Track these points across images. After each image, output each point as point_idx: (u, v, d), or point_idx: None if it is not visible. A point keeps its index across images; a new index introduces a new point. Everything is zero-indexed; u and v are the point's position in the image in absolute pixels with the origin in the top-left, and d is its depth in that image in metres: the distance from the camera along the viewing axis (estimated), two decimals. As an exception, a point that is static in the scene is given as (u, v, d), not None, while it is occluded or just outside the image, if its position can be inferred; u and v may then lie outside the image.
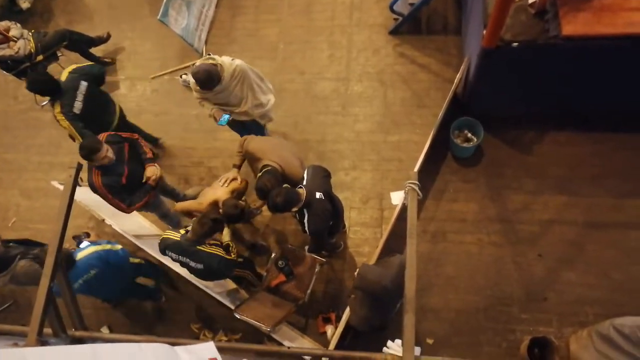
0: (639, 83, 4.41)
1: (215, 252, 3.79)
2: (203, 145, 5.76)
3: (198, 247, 3.77)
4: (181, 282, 4.97)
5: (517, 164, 5.06)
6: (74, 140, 4.62)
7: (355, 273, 3.79)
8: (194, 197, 4.56)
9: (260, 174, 3.94)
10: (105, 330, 4.97)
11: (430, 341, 4.52)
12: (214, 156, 5.67)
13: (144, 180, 4.24)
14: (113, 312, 5.11)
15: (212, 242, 3.86)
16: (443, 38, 5.85)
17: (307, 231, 3.75)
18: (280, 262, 4.43)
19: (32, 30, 5.85)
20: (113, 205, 4.14)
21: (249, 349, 3.24)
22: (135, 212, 5.19)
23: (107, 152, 3.90)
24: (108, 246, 4.19)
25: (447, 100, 5.01)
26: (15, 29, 5.71)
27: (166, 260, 4.28)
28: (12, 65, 5.68)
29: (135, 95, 6.25)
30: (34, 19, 6.96)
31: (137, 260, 4.69)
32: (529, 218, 4.84)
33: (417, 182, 3.14)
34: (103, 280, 4.04)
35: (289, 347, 3.88)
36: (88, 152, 3.81)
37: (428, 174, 5.02)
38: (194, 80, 4.19)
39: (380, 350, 2.88)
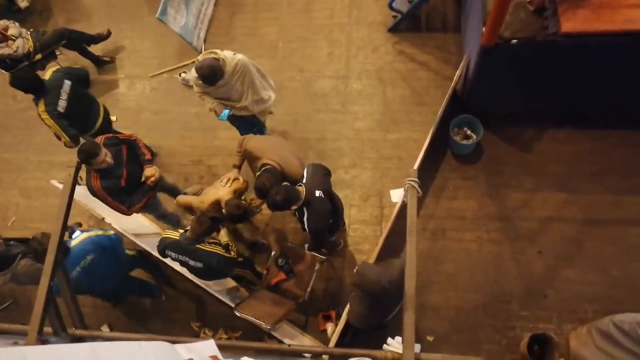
0: (638, 80, 4.41)
1: (215, 251, 3.80)
2: (202, 144, 5.75)
3: (197, 245, 3.77)
4: (181, 280, 4.97)
5: (517, 161, 5.07)
6: (59, 139, 4.63)
7: (354, 270, 3.80)
8: (194, 195, 4.57)
9: (259, 172, 3.94)
10: (105, 329, 4.97)
11: (430, 338, 4.53)
12: (214, 154, 5.67)
13: (142, 180, 4.23)
14: (113, 310, 5.11)
15: (211, 240, 3.86)
16: (442, 36, 5.84)
17: (307, 229, 3.75)
18: (280, 260, 4.44)
19: (31, 29, 5.84)
20: (113, 208, 4.14)
21: (249, 347, 3.25)
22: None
23: (106, 157, 3.89)
24: (100, 232, 4.21)
25: (446, 98, 5.01)
26: (13, 28, 5.70)
27: (166, 260, 4.28)
28: (11, 64, 5.67)
29: (135, 94, 6.24)
30: (33, 18, 6.95)
31: (132, 252, 4.72)
32: (529, 215, 4.85)
33: (416, 179, 3.15)
34: (100, 266, 4.04)
35: (289, 345, 3.88)
36: (87, 156, 3.79)
37: (428, 171, 5.02)
38: (195, 75, 4.18)
39: (380, 348, 2.88)
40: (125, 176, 4.07)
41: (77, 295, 3.50)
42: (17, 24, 5.79)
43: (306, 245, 4.42)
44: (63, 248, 3.68)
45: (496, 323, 4.52)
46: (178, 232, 3.89)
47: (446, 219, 4.96)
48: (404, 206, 3.41)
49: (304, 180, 3.78)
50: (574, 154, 4.99)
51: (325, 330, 4.62)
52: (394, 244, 4.51)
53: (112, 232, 4.36)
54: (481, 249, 4.80)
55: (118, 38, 6.53)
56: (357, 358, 2.62)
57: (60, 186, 4.44)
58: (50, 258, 3.06)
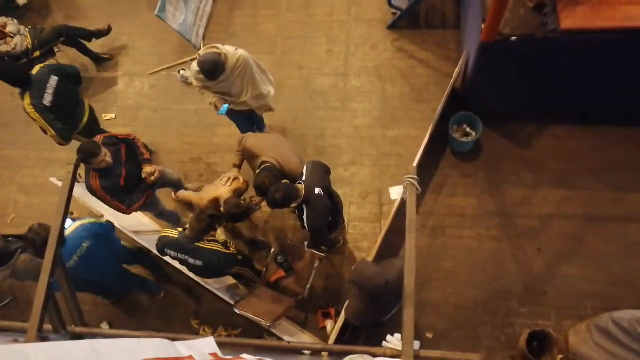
0: (637, 77, 4.41)
1: (215, 248, 3.79)
2: (202, 141, 5.75)
3: (197, 244, 3.77)
4: (181, 277, 4.96)
5: (516, 158, 5.07)
6: (45, 133, 4.63)
7: (353, 267, 3.80)
8: (195, 190, 4.58)
9: (258, 170, 3.94)
10: (105, 326, 4.98)
11: (429, 335, 4.53)
12: (213, 152, 5.66)
13: (143, 177, 4.22)
14: (113, 308, 5.12)
15: (210, 238, 3.86)
16: (442, 32, 5.84)
17: (307, 227, 3.75)
18: (279, 258, 4.44)
19: (29, 27, 5.82)
20: (112, 207, 4.13)
21: (249, 344, 3.25)
22: (134, 210, 5.20)
23: (106, 156, 3.87)
24: (93, 219, 4.20)
25: (445, 95, 5.01)
26: (12, 25, 5.69)
27: (166, 259, 4.28)
28: (9, 62, 5.66)
29: (134, 91, 6.23)
30: (31, 15, 6.93)
31: (128, 245, 4.74)
32: (528, 212, 4.85)
33: (416, 177, 3.15)
34: (96, 253, 4.04)
35: (289, 342, 3.89)
36: (87, 156, 3.78)
37: (427, 168, 5.02)
38: (197, 69, 4.17)
39: (379, 345, 2.88)
40: (125, 175, 4.07)
41: (77, 293, 3.50)
42: (15, 21, 5.77)
43: (306, 243, 4.42)
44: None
45: (495, 320, 4.53)
46: (177, 230, 3.89)
47: (446, 216, 4.96)
48: (403, 203, 3.41)
49: (304, 178, 3.78)
50: (574, 151, 4.99)
51: (324, 328, 4.62)
52: (393, 241, 4.53)
53: (104, 219, 4.34)
54: (481, 246, 4.81)
55: (117, 35, 6.51)
56: (357, 355, 2.63)
57: (60, 183, 4.44)
58: (49, 255, 3.06)
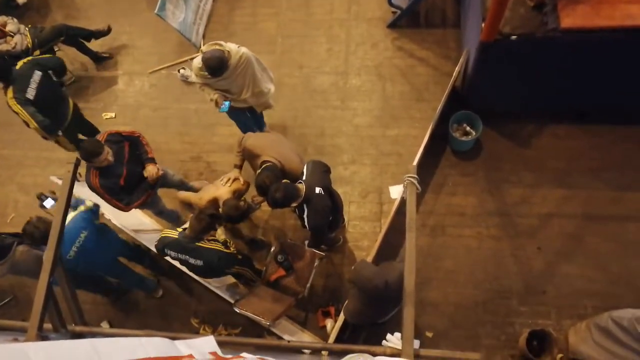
0: (637, 76, 4.41)
1: (215, 248, 3.79)
2: (201, 140, 5.75)
3: (197, 243, 3.77)
4: (181, 276, 4.96)
5: (516, 157, 5.07)
6: (28, 126, 4.65)
7: (352, 267, 3.80)
8: (199, 190, 4.58)
9: (259, 170, 3.94)
10: (105, 325, 4.97)
11: (429, 334, 4.53)
12: (213, 151, 5.66)
13: (145, 176, 4.21)
14: (113, 307, 5.11)
15: (210, 238, 3.86)
16: (442, 31, 5.83)
17: (307, 226, 3.75)
18: (279, 257, 4.44)
19: (29, 26, 5.82)
20: (111, 205, 4.13)
21: (249, 343, 3.26)
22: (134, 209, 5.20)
23: (108, 155, 3.87)
24: (82, 207, 4.15)
25: (445, 94, 5.00)
26: (12, 24, 5.68)
27: (166, 259, 4.29)
28: (9, 60, 5.65)
29: (134, 90, 6.23)
30: (31, 14, 6.92)
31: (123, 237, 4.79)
32: (528, 211, 4.85)
33: (416, 176, 3.15)
34: (94, 242, 4.05)
35: (289, 341, 3.91)
36: (88, 155, 3.79)
37: (427, 167, 5.02)
38: (199, 66, 4.16)
39: (379, 344, 2.88)
40: (125, 175, 4.05)
41: (77, 293, 3.50)
42: (15, 20, 5.77)
43: (306, 242, 4.42)
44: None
45: (495, 319, 4.53)
46: (177, 230, 3.88)
47: (445, 215, 4.96)
48: (403, 202, 3.41)
49: (304, 177, 3.78)
50: (573, 150, 4.99)
51: (324, 327, 4.62)
52: (393, 240, 4.53)
53: (90, 203, 4.26)
54: (481, 245, 4.81)
55: (117, 34, 6.51)
56: (357, 354, 2.63)
57: (60, 182, 4.45)
58: (49, 254, 3.06)
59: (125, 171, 4.06)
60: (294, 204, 3.63)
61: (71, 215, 4.04)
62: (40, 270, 3.82)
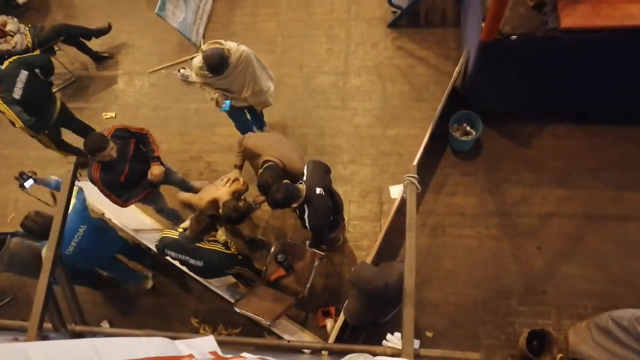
0: (637, 76, 4.41)
1: (215, 248, 3.79)
2: (201, 140, 5.75)
3: (197, 244, 3.76)
4: (181, 276, 4.97)
5: (516, 157, 5.07)
6: (14, 125, 4.67)
7: (353, 269, 3.80)
8: (199, 189, 4.58)
9: (261, 170, 3.94)
10: (105, 325, 4.97)
11: (429, 334, 4.54)
12: (213, 151, 5.66)
13: (148, 177, 4.20)
14: (113, 306, 5.12)
15: (210, 239, 3.86)
16: (442, 31, 5.84)
17: (308, 227, 3.75)
18: (279, 256, 4.44)
19: (29, 25, 5.82)
20: (109, 199, 4.12)
21: (249, 343, 3.26)
22: (134, 208, 5.20)
23: (111, 151, 3.86)
24: (74, 199, 4.02)
25: (445, 94, 5.01)
26: (12, 24, 5.68)
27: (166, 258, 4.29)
28: (9, 60, 5.66)
29: (134, 90, 6.23)
30: (31, 14, 6.93)
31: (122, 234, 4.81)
32: (528, 211, 4.85)
33: (416, 175, 3.15)
34: (93, 237, 4.05)
35: (289, 341, 3.91)
36: (92, 149, 3.79)
37: (427, 167, 5.02)
38: (199, 65, 4.16)
39: (379, 344, 2.88)
40: (127, 172, 4.05)
41: (77, 292, 3.50)
42: (15, 19, 5.77)
43: (307, 242, 4.42)
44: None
45: (495, 319, 4.53)
46: (177, 231, 3.88)
47: (445, 215, 4.96)
48: (403, 202, 3.41)
49: (304, 178, 3.78)
50: (573, 150, 4.99)
51: (324, 326, 4.63)
52: (393, 240, 4.53)
53: (75, 189, 4.03)
54: (481, 245, 4.81)
55: (116, 34, 6.51)
56: (357, 354, 2.63)
57: (57, 179, 4.46)
58: (49, 254, 3.06)
59: (127, 168, 4.06)
60: (295, 205, 3.63)
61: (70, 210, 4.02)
62: (35, 260, 3.84)
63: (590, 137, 5.00)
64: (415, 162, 4.59)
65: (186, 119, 5.90)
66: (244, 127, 4.96)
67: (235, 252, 3.98)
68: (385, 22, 6.00)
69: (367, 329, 4.28)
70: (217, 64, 4.00)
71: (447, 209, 4.99)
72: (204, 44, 6.06)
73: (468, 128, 5.06)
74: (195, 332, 4.82)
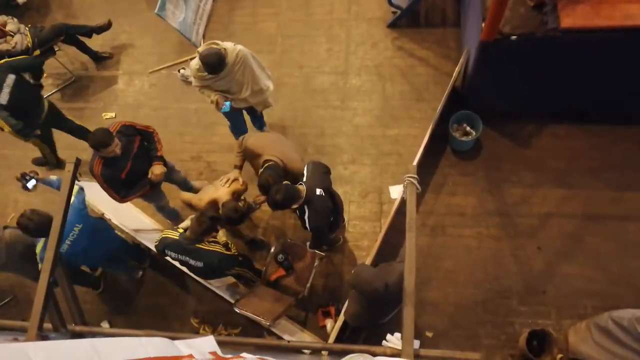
0: (637, 76, 4.41)
1: (215, 249, 3.79)
2: (201, 140, 5.75)
3: (197, 245, 3.76)
4: (181, 276, 4.96)
5: (516, 157, 5.07)
6: (2, 129, 4.69)
7: (352, 271, 3.80)
8: (199, 189, 4.58)
9: (262, 169, 3.93)
10: (105, 325, 4.98)
11: (429, 334, 4.54)
12: (213, 151, 5.66)
13: (149, 176, 4.20)
14: (113, 306, 5.12)
15: (211, 240, 3.85)
16: (442, 31, 5.83)
17: (308, 228, 3.75)
18: (279, 256, 4.44)
19: (29, 25, 5.82)
20: (107, 193, 4.12)
21: (249, 343, 3.26)
22: (134, 208, 5.21)
23: (116, 147, 3.86)
24: (74, 198, 4.02)
25: (445, 94, 5.01)
26: (12, 24, 5.68)
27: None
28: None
29: (134, 90, 6.23)
30: (31, 14, 6.92)
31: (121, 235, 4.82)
32: (528, 211, 4.85)
33: (416, 175, 3.15)
34: (89, 236, 4.06)
35: (289, 341, 3.90)
36: (97, 144, 3.79)
37: (427, 167, 5.02)
38: (197, 67, 4.15)
39: (379, 344, 2.88)
40: (128, 169, 4.05)
41: (77, 292, 3.50)
42: (15, 19, 5.76)
43: (308, 243, 4.43)
44: (49, 220, 3.67)
45: (495, 319, 4.53)
46: (178, 231, 3.88)
47: (445, 215, 4.96)
48: (403, 202, 3.41)
49: (304, 179, 3.78)
50: (573, 150, 4.99)
51: (324, 326, 4.63)
52: (393, 240, 4.53)
53: (76, 188, 4.06)
54: (481, 245, 4.81)
55: (116, 34, 6.51)
56: (356, 354, 2.63)
57: (54, 177, 4.46)
58: (49, 254, 3.06)
59: (129, 166, 4.05)
60: (295, 206, 3.62)
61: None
62: (29, 251, 3.86)
63: (590, 137, 5.00)
64: (415, 162, 4.59)
65: (186, 119, 5.90)
66: (238, 128, 4.96)
67: (236, 253, 3.98)
68: (385, 22, 6.00)
69: (367, 328, 4.28)
70: (215, 63, 4.00)
71: (447, 209, 4.99)
72: (204, 43, 6.09)
73: (468, 128, 5.06)
74: (195, 332, 4.82)
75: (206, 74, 4.18)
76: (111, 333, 3.50)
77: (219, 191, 4.17)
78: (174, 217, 4.98)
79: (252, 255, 4.91)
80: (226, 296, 4.68)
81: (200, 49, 4.17)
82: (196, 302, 5.01)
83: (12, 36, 5.61)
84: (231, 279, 4.54)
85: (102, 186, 4.04)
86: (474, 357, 2.68)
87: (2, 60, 4.75)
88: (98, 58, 6.40)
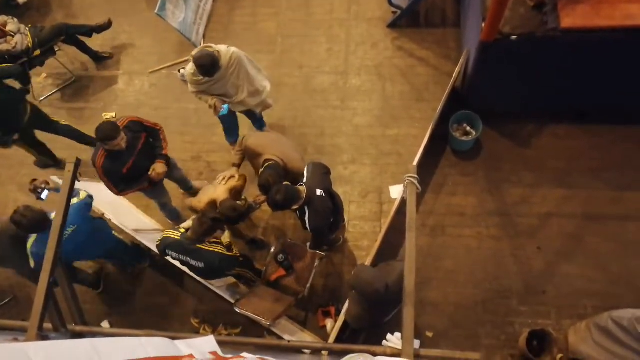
0: (637, 76, 4.41)
1: (216, 250, 3.79)
2: (201, 140, 5.75)
3: (198, 245, 3.76)
4: (181, 276, 4.96)
5: (516, 157, 5.07)
6: None
7: (352, 272, 3.80)
8: (199, 189, 4.58)
9: (262, 169, 3.93)
10: (105, 325, 4.97)
11: (429, 334, 4.54)
12: (213, 151, 5.66)
13: (149, 173, 4.20)
14: (113, 306, 5.12)
15: (212, 240, 3.85)
16: (442, 31, 5.84)
17: (308, 228, 3.75)
18: (279, 257, 4.44)
19: (29, 25, 5.81)
20: (105, 185, 4.13)
21: (249, 343, 3.26)
22: (135, 208, 5.21)
23: (121, 142, 3.87)
24: (75, 199, 4.06)
25: (445, 94, 5.01)
26: (12, 24, 5.67)
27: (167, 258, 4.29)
28: (9, 60, 5.62)
29: (134, 90, 6.23)
30: (31, 14, 6.92)
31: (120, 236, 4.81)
32: (528, 211, 4.85)
33: (416, 175, 3.15)
34: (86, 236, 4.05)
35: (289, 341, 3.90)
36: (103, 137, 3.80)
37: (427, 167, 5.02)
38: (192, 71, 4.15)
39: (379, 344, 2.88)
40: (130, 165, 4.05)
41: (77, 292, 3.50)
42: (15, 19, 5.75)
43: (308, 244, 4.43)
44: (44, 219, 3.70)
45: (495, 319, 4.53)
46: (179, 231, 3.88)
47: (446, 215, 4.96)
48: (403, 202, 3.41)
49: (304, 180, 3.78)
50: (573, 150, 4.99)
51: (324, 326, 4.63)
52: (393, 240, 4.53)
53: (84, 194, 4.16)
54: (481, 245, 4.81)
55: (117, 34, 6.52)
56: (357, 354, 2.63)
57: (60, 182, 4.45)
58: (49, 254, 3.06)
59: (132, 162, 4.06)
60: (295, 207, 3.62)
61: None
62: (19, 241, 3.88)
63: (590, 137, 5.00)
64: (415, 162, 4.59)
65: (186, 119, 5.90)
66: (231, 132, 4.97)
67: (237, 254, 3.98)
68: (385, 22, 6.00)
69: (367, 329, 4.28)
70: (208, 65, 4.00)
71: (447, 209, 4.99)
72: (204, 43, 6.09)
73: (468, 128, 5.06)
74: (195, 332, 4.82)
75: (202, 78, 4.18)
76: (111, 333, 3.50)
77: (217, 191, 4.18)
78: (174, 217, 4.99)
79: (252, 255, 4.91)
80: (226, 296, 4.68)
81: (193, 53, 4.17)
82: (196, 302, 5.01)
83: (13, 36, 5.60)
84: (232, 279, 4.54)
85: (101, 178, 4.05)
86: (474, 357, 2.68)
87: None
88: (98, 58, 6.40)
